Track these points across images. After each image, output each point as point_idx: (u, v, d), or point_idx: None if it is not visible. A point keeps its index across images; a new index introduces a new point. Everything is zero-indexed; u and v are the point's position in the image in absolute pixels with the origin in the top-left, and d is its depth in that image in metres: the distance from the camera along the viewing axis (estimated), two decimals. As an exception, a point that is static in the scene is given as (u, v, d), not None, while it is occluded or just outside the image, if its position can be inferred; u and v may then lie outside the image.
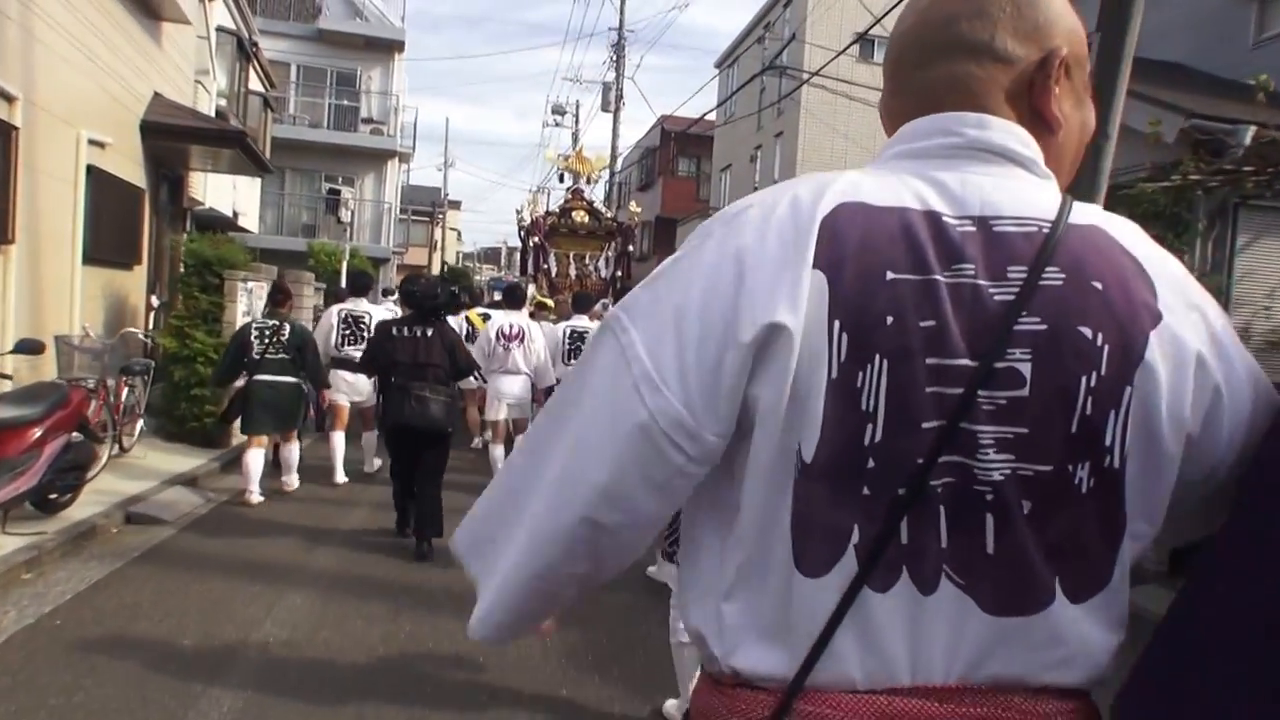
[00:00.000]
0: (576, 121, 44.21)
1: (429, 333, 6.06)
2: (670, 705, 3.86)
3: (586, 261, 16.19)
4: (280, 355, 7.24)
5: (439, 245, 46.38)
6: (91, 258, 9.11)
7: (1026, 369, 0.87)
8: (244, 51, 17.23)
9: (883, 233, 0.89)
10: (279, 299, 7.72)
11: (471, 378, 7.12)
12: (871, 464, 0.86)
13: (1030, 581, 0.88)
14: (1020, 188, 0.95)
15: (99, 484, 7.00)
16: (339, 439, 8.33)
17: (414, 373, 5.93)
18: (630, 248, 16.56)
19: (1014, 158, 0.96)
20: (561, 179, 17.42)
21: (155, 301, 11.30)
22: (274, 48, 25.02)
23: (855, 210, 0.91)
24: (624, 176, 36.05)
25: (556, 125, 43.92)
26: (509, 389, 8.02)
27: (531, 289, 15.84)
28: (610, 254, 16.24)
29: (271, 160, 23.26)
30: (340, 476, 8.31)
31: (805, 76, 18.74)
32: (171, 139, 10.94)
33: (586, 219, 16.30)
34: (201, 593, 5.22)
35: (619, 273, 16.22)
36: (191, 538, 6.40)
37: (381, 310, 9.02)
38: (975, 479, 0.87)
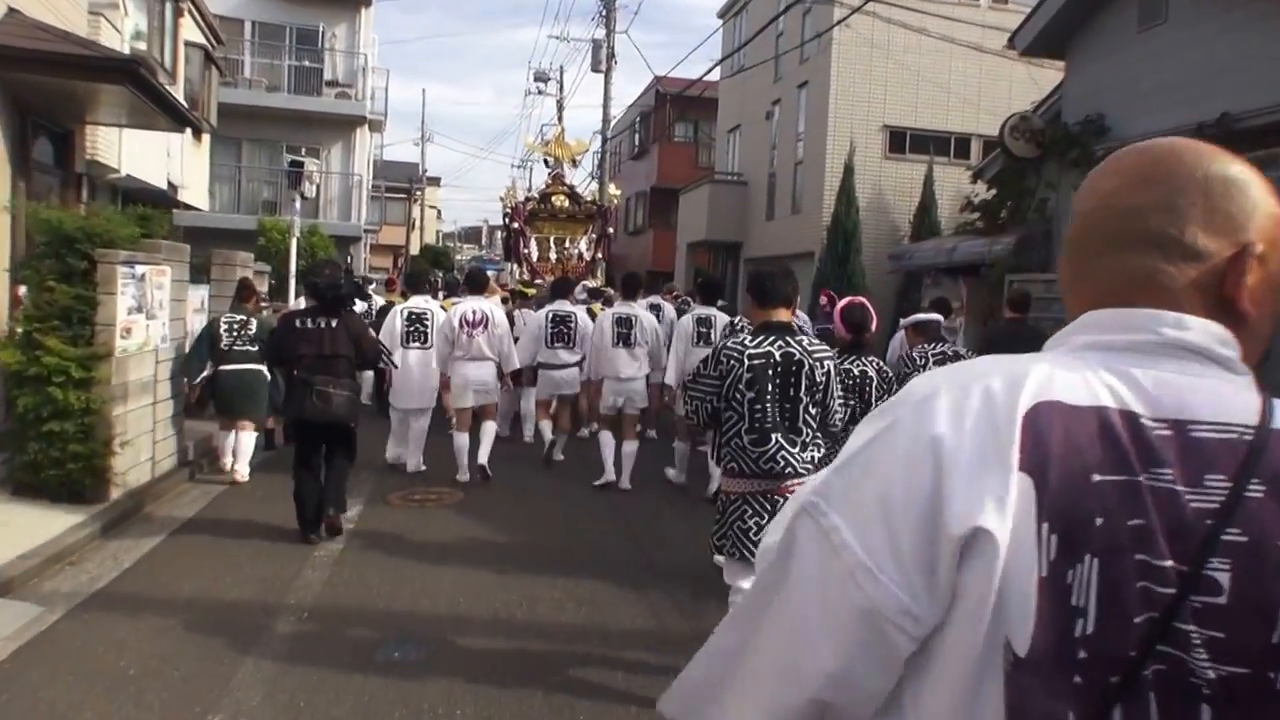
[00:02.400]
0: (561, 89, 41.06)
1: (334, 324, 5.90)
2: None
3: (567, 245, 16.49)
4: (246, 347, 7.67)
5: (417, 224, 43.15)
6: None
7: (1225, 578, 0.85)
8: (171, -12, 14.07)
9: (1084, 434, 0.88)
10: (245, 294, 8.12)
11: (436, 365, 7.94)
12: (1083, 654, 0.86)
13: None
14: (1217, 388, 0.91)
15: None
16: None
17: (319, 366, 5.77)
18: (610, 230, 16.82)
19: (1213, 357, 0.92)
20: (547, 164, 17.30)
21: (24, 292, 8.18)
22: (225, 3, 22.17)
23: (1054, 410, 0.89)
24: (615, 145, 32.93)
25: (540, 94, 40.90)
26: (475, 375, 7.74)
27: (516, 274, 16.81)
28: (591, 236, 16.55)
29: (225, 129, 20.79)
30: None
31: (845, 9, 15.71)
32: (33, 70, 7.81)
33: (567, 203, 16.57)
34: None
35: (599, 255, 16.60)
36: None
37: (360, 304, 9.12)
38: (1188, 671, 0.85)
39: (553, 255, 16.46)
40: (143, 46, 12.71)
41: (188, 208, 17.61)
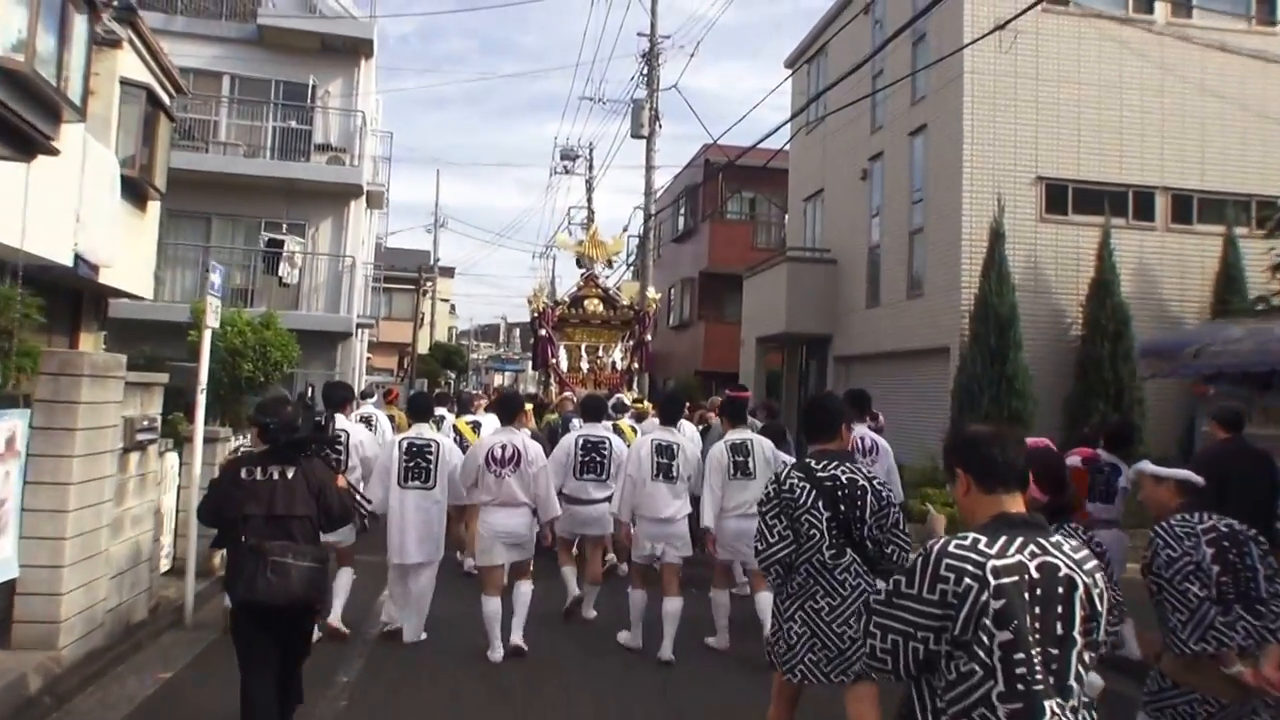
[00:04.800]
0: (590, 167, 38.41)
1: (290, 474, 4.99)
2: None
3: (600, 353, 15.94)
4: None
5: (424, 320, 40.10)
6: None
7: None
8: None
9: None
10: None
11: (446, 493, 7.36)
12: None
13: None
14: None
15: None
16: None
17: (272, 529, 4.83)
18: (648, 337, 16.09)
19: None
20: (580, 264, 16.61)
21: None
22: (201, 55, 19.73)
23: None
24: (654, 223, 29.89)
25: (567, 173, 38.41)
26: (505, 525, 6.91)
27: (537, 378, 17.50)
28: (627, 344, 15.93)
29: (191, 202, 17.78)
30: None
31: (980, 29, 12.25)
32: None
33: (600, 308, 16.06)
34: None
35: (634, 364, 15.95)
36: None
37: (359, 428, 8.16)
38: None
39: (584, 365, 15.85)
40: (20, 58, 9.20)
41: (120, 294, 14.16)
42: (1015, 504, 2.73)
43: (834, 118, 18.06)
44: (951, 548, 2.59)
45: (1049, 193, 14.14)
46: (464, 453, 9.10)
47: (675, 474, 7.12)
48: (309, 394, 9.50)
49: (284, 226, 19.44)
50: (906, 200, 15.97)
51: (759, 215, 28.32)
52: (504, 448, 6.99)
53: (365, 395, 13.45)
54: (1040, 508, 3.95)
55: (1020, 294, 12.99)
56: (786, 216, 24.41)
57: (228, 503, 4.94)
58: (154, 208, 14.95)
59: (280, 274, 18.81)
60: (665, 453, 7.16)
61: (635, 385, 16.51)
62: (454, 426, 10.24)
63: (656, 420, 8.20)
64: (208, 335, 7.81)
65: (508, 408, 7.44)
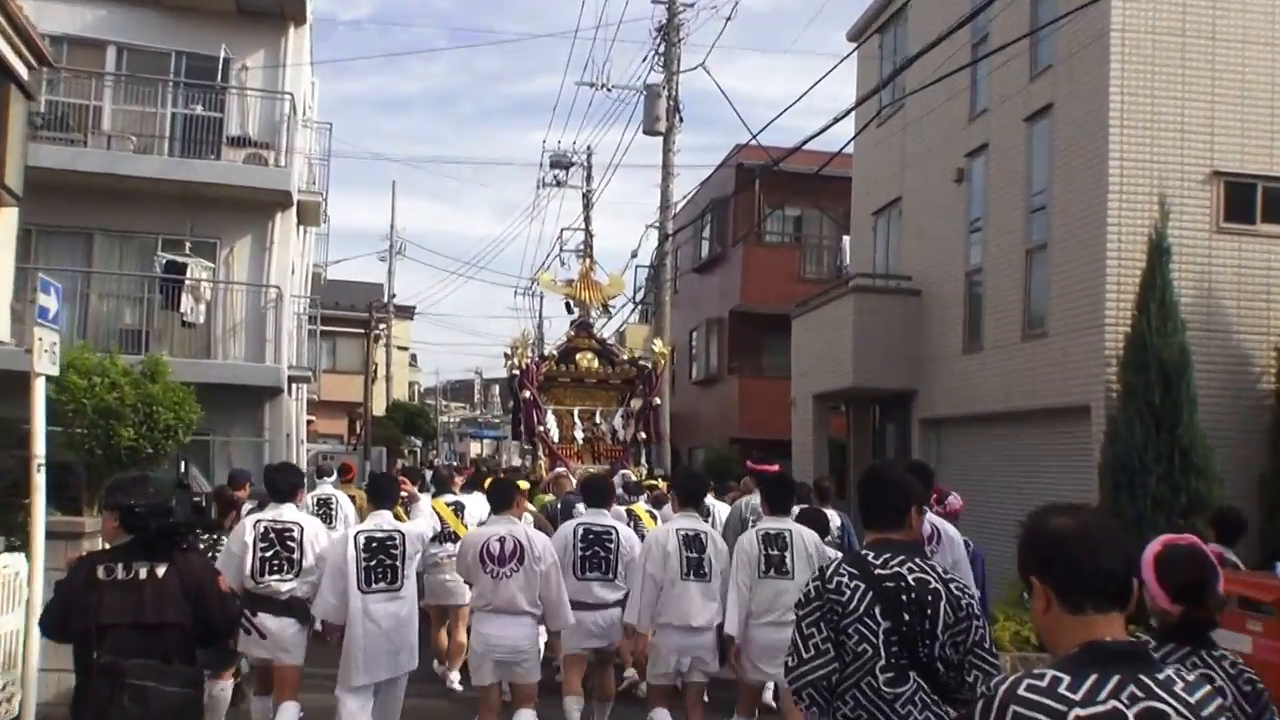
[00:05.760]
0: (588, 179, 38.43)
1: (160, 572, 5.08)
2: None
3: (597, 419, 16.46)
4: None
5: (378, 373, 39.76)
6: None
7: None
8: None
9: None
10: (222, 508, 8.88)
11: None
12: None
13: None
14: None
15: None
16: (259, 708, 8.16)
17: (134, 642, 4.93)
18: (656, 400, 16.83)
19: None
20: (568, 308, 17.41)
21: None
22: (77, 18, 19.69)
23: None
24: (674, 245, 29.63)
25: (558, 185, 38.86)
26: (500, 638, 7.43)
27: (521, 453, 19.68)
28: (630, 407, 16.49)
29: (66, 214, 18.39)
30: None
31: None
32: None
33: (595, 363, 16.60)
34: None
35: (641, 433, 16.41)
36: None
37: (314, 521, 8.39)
38: None
39: (579, 433, 16.37)
40: None
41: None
42: (1111, 627, 2.76)
43: (916, 102, 17.69)
44: (1022, 690, 2.66)
45: (1229, 193, 13.79)
46: (444, 538, 10.00)
47: (708, 570, 7.37)
48: (186, 474, 9.40)
49: (187, 246, 19.06)
50: (1022, 208, 15.55)
51: (807, 237, 28.67)
52: (501, 541, 7.31)
53: (322, 473, 13.79)
54: (1170, 624, 4.05)
55: (1190, 332, 12.34)
56: (846, 238, 24.06)
57: (80, 611, 4.94)
58: (8, 217, 14.75)
59: (182, 310, 18.42)
60: (694, 544, 7.43)
61: (648, 458, 16.99)
62: (434, 508, 10.82)
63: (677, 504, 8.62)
64: (40, 386, 7.11)
65: (501, 495, 7.94)
